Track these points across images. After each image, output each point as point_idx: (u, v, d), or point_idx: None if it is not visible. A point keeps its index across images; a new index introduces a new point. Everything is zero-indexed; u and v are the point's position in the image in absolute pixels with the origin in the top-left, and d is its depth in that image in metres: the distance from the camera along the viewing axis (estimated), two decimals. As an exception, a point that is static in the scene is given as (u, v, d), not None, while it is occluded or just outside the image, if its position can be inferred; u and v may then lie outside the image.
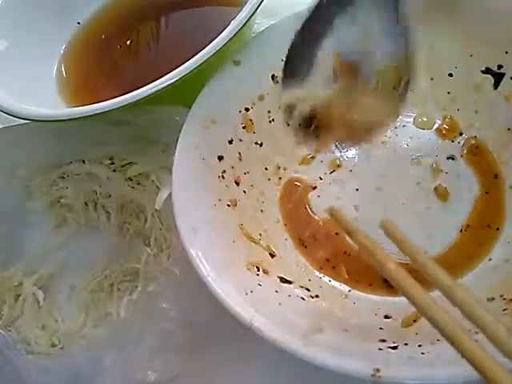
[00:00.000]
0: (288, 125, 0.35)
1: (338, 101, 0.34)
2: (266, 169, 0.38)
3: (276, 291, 0.30)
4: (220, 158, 0.35)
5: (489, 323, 0.20)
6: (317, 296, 0.32)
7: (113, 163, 0.41)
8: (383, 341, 0.27)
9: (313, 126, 0.35)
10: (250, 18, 0.35)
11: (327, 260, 0.34)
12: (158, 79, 0.34)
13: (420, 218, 0.35)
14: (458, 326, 0.20)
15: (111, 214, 0.40)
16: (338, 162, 0.38)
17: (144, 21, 0.48)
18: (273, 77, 0.38)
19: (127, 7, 0.48)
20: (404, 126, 0.39)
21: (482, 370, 0.19)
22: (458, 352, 0.20)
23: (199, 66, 0.34)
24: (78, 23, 0.48)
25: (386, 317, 0.30)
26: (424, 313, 0.21)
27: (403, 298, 0.31)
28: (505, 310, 0.28)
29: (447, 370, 0.24)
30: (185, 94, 0.35)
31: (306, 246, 0.35)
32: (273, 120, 0.39)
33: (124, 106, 0.34)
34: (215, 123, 0.35)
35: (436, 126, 0.38)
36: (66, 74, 0.46)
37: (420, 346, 0.26)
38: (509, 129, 0.35)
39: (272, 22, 0.39)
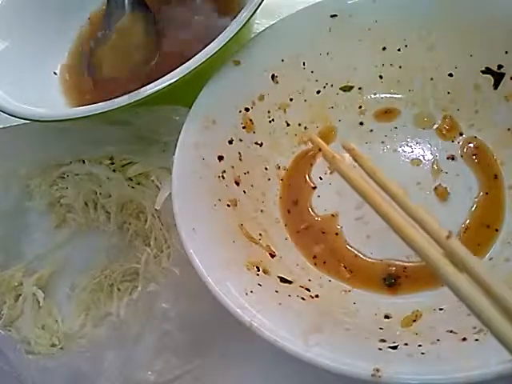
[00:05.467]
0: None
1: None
2: (266, 169, 0.38)
3: (276, 291, 0.30)
4: (220, 157, 0.35)
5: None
6: (317, 296, 0.32)
7: (113, 163, 0.41)
8: (383, 341, 0.27)
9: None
10: (250, 17, 0.35)
11: (314, 257, 0.34)
12: (158, 79, 0.34)
13: (420, 218, 0.35)
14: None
15: (111, 214, 0.40)
16: (338, 162, 0.38)
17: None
18: (273, 77, 0.38)
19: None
20: (404, 126, 0.39)
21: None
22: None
23: (199, 65, 0.34)
24: (79, 24, 0.48)
25: (386, 317, 0.30)
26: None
27: (403, 298, 0.31)
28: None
29: (447, 369, 0.24)
30: (185, 94, 0.35)
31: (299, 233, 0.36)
32: (273, 120, 0.39)
33: (124, 105, 0.34)
34: (215, 123, 0.35)
35: (436, 126, 0.38)
36: (66, 74, 0.46)
37: (420, 346, 0.26)
38: (509, 129, 0.35)
39: (272, 22, 0.39)
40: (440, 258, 0.22)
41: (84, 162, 0.41)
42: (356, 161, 0.29)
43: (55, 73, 0.46)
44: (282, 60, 0.38)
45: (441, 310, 0.30)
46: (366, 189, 0.26)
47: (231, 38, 0.34)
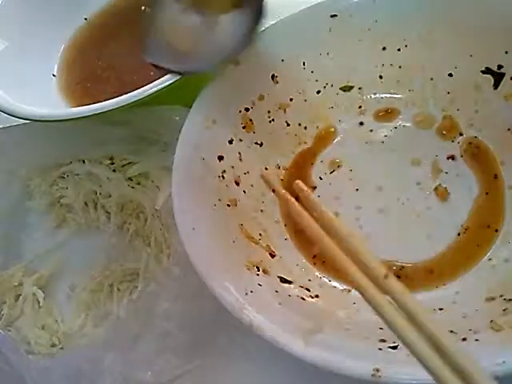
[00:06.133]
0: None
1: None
2: (266, 169, 0.38)
3: (276, 291, 0.30)
4: (220, 157, 0.35)
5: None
6: (317, 296, 0.32)
7: (113, 163, 0.41)
8: (383, 341, 0.27)
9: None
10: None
11: (314, 257, 0.34)
12: (157, 79, 0.34)
13: (420, 218, 0.35)
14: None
15: (111, 214, 0.40)
16: (338, 162, 0.38)
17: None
18: (273, 77, 0.38)
19: (128, 8, 0.48)
20: (404, 126, 0.39)
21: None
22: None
23: (199, 66, 0.34)
24: (78, 24, 0.48)
25: (386, 317, 0.30)
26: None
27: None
28: (505, 309, 0.28)
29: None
30: (185, 93, 0.35)
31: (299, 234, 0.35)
32: (273, 120, 0.39)
33: (124, 105, 0.34)
34: (215, 123, 0.35)
35: (436, 125, 0.38)
36: (65, 73, 0.46)
37: (420, 345, 0.26)
38: (509, 129, 0.35)
39: (272, 22, 0.39)
40: (371, 286, 0.22)
41: (84, 161, 0.41)
42: (303, 204, 0.28)
43: (54, 75, 0.46)
44: (282, 60, 0.38)
45: (440, 309, 0.30)
46: (316, 228, 0.26)
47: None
